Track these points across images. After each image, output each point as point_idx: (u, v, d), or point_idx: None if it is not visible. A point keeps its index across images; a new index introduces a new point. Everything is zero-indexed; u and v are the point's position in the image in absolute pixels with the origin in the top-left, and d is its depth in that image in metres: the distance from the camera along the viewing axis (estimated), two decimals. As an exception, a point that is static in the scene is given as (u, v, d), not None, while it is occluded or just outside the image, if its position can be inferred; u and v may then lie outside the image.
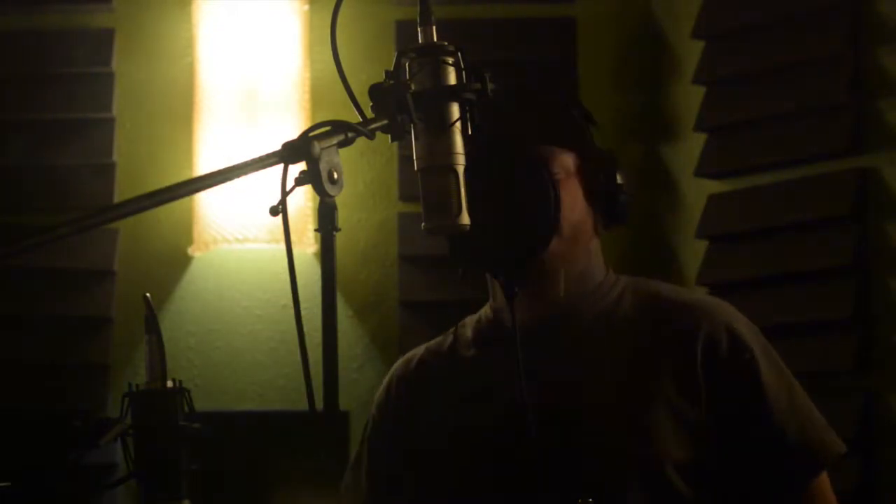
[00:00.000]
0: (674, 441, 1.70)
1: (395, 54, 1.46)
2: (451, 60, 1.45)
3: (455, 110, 1.44)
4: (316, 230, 1.38)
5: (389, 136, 1.43)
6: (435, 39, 1.46)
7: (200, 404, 1.54)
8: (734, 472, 1.73)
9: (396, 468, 1.86)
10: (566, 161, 1.79)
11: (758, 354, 1.75)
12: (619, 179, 1.81)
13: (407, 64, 1.45)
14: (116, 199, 3.21)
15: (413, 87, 1.43)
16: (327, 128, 1.37)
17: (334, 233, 1.37)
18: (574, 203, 1.78)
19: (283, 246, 1.36)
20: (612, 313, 1.81)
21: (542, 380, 1.74)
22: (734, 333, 1.76)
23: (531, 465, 1.71)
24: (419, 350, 1.94)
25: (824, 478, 1.77)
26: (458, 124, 1.44)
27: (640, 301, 1.82)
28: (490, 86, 1.46)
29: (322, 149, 1.33)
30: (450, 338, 1.91)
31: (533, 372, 1.72)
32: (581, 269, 1.81)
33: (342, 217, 1.37)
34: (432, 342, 1.94)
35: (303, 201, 3.11)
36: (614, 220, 1.82)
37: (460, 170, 1.43)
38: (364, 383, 3.21)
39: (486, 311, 1.90)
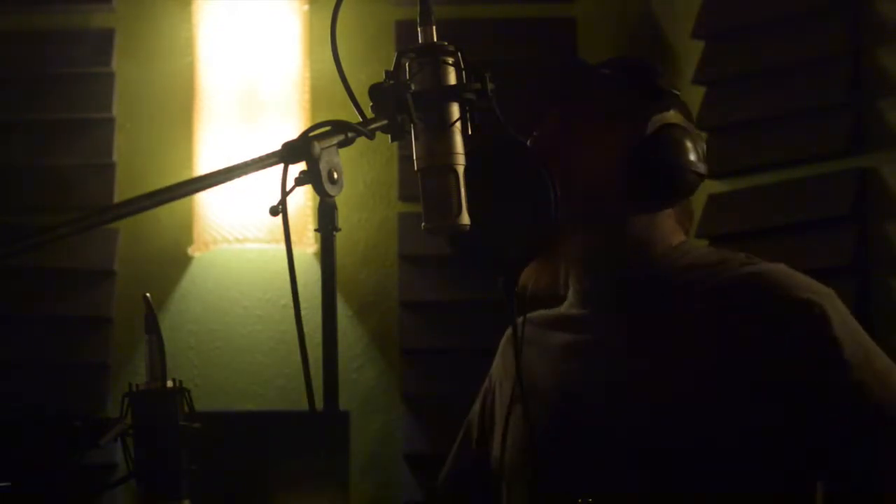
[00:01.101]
0: (718, 425, 1.67)
1: (395, 54, 1.46)
2: (451, 60, 1.45)
3: (455, 110, 1.44)
4: (316, 230, 1.38)
5: (389, 136, 1.43)
6: (435, 39, 1.46)
7: (200, 404, 1.54)
8: (807, 440, 1.66)
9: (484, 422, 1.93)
10: (590, 122, 1.77)
11: (829, 312, 1.66)
12: (669, 147, 1.73)
13: (407, 64, 1.45)
14: (116, 199, 3.21)
15: (413, 87, 1.43)
16: (327, 128, 1.37)
17: (334, 233, 1.37)
18: (588, 174, 1.76)
19: (283, 246, 1.36)
20: (665, 285, 1.77)
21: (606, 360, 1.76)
22: (797, 300, 1.68)
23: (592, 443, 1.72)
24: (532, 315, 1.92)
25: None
26: (458, 124, 1.44)
27: (701, 271, 1.77)
28: (490, 86, 1.46)
29: (322, 149, 1.34)
30: (555, 310, 1.91)
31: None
32: (615, 241, 1.78)
33: (342, 217, 1.37)
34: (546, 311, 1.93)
35: (303, 201, 3.11)
36: (660, 194, 1.75)
37: (460, 170, 1.43)
38: (364, 383, 3.21)
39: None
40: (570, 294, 1.89)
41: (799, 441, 1.66)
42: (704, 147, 1.80)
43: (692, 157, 1.75)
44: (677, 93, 1.81)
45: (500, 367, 1.98)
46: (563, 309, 1.91)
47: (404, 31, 3.23)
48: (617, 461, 1.72)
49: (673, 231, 1.83)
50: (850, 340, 1.67)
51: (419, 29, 1.47)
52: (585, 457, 1.75)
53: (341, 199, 1.35)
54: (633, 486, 1.70)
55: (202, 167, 3.12)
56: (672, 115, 1.77)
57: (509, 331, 1.88)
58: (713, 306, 1.72)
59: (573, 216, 1.73)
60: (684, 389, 1.69)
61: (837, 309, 1.70)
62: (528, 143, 1.80)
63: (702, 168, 1.77)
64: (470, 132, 1.45)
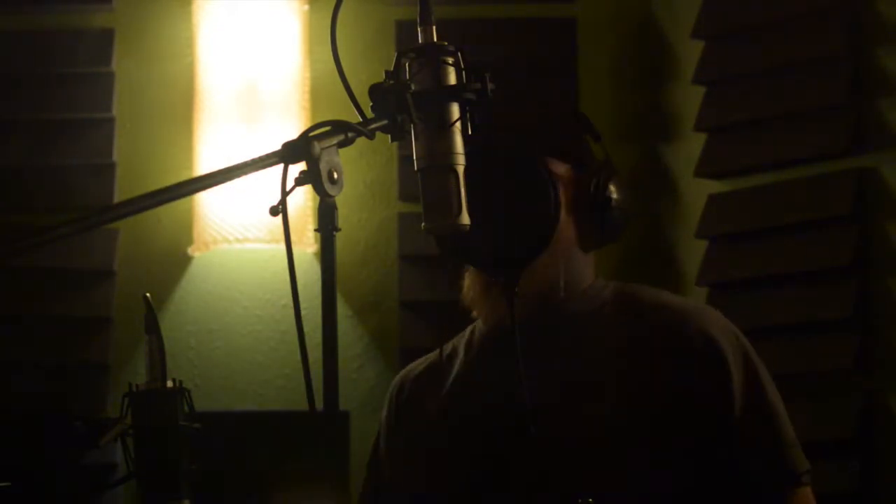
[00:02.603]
0: (649, 449, 1.71)
1: (395, 54, 1.46)
2: (451, 60, 1.45)
3: (455, 110, 1.44)
4: (316, 230, 1.38)
5: (389, 136, 1.43)
6: (435, 39, 1.46)
7: (200, 404, 1.54)
8: (709, 477, 1.73)
9: (397, 475, 1.89)
10: (557, 169, 1.79)
11: (730, 361, 1.74)
12: (612, 195, 1.79)
13: (407, 64, 1.45)
14: (116, 199, 3.21)
15: (413, 87, 1.43)
16: (327, 128, 1.37)
17: (334, 233, 1.37)
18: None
19: (283, 246, 1.36)
20: (592, 316, 1.81)
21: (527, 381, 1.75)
22: (708, 337, 1.75)
23: (526, 466, 1.72)
24: (418, 362, 1.96)
25: (802, 495, 1.76)
26: (458, 124, 1.44)
27: (622, 304, 1.83)
28: (490, 86, 1.46)
29: (322, 149, 1.34)
30: (448, 347, 1.92)
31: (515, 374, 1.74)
32: (566, 273, 1.80)
33: (342, 217, 1.37)
34: (431, 354, 1.95)
35: (303, 201, 3.11)
36: (603, 236, 1.82)
37: (460, 170, 1.43)
38: (364, 383, 3.21)
39: (478, 322, 1.90)
40: (483, 321, 1.88)
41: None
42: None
43: (629, 202, 1.83)
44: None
45: (397, 416, 1.96)
46: (463, 347, 1.91)
47: (404, 31, 3.23)
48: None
49: (593, 270, 1.87)
50: (741, 385, 1.74)
51: (419, 29, 1.47)
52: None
53: (341, 199, 1.35)
54: None
55: (202, 167, 3.12)
56: (608, 161, 1.83)
57: (401, 377, 1.95)
58: (627, 340, 1.78)
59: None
60: (613, 425, 1.73)
61: (736, 354, 1.76)
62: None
63: (631, 211, 1.84)
64: (470, 132, 1.45)
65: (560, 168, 1.79)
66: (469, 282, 1.83)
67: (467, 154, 1.44)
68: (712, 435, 1.73)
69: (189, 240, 3.14)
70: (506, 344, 1.75)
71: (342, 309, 3.17)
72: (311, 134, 1.35)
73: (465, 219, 1.43)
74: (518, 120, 1.84)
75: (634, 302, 1.83)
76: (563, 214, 1.77)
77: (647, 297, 1.84)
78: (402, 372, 1.98)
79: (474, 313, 1.86)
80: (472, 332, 1.91)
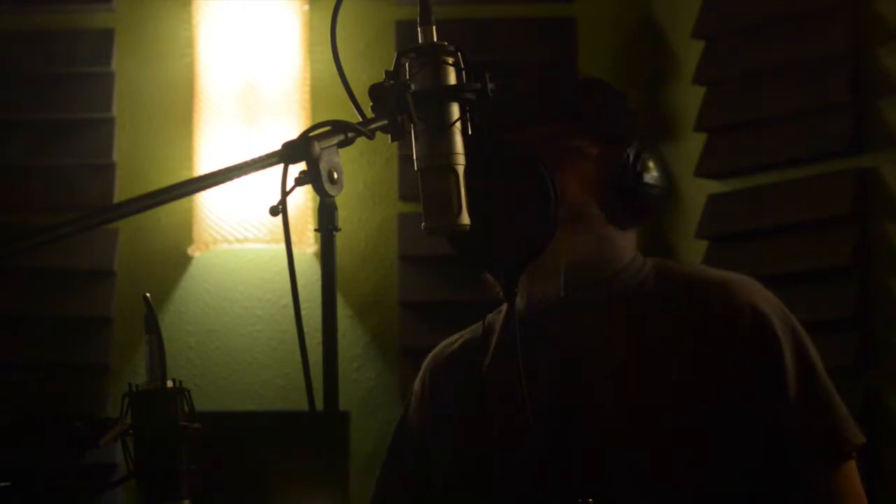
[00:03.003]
0: (689, 429, 1.70)
1: (395, 54, 1.46)
2: (451, 60, 1.45)
3: (455, 110, 1.44)
4: (316, 230, 1.38)
5: (389, 136, 1.43)
6: (435, 39, 1.46)
7: (200, 404, 1.54)
8: (752, 454, 1.72)
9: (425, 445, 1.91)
10: (575, 142, 1.79)
11: (780, 334, 1.74)
12: (643, 172, 1.78)
13: (407, 64, 1.45)
14: (116, 199, 3.21)
15: (413, 87, 1.43)
16: (327, 128, 1.37)
17: (334, 233, 1.37)
18: (573, 187, 1.77)
19: (283, 246, 1.36)
20: (633, 293, 1.81)
21: (553, 370, 1.77)
22: (756, 311, 1.75)
23: (562, 446, 1.73)
24: (453, 338, 1.97)
25: (848, 469, 1.75)
26: (458, 124, 1.44)
27: (663, 279, 1.83)
28: (490, 86, 1.46)
29: (322, 149, 1.34)
30: (485, 322, 1.92)
31: (546, 360, 1.75)
32: (589, 257, 1.81)
33: (342, 217, 1.38)
34: (466, 330, 1.95)
35: (303, 201, 3.11)
36: (634, 214, 1.80)
37: (460, 170, 1.43)
38: (364, 383, 3.21)
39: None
40: (523, 306, 1.88)
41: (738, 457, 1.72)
42: (668, 168, 1.86)
43: (664, 180, 1.82)
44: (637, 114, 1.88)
45: (431, 389, 1.97)
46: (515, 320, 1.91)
47: (404, 31, 3.23)
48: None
49: (633, 247, 1.87)
50: (795, 368, 1.74)
51: (419, 29, 1.47)
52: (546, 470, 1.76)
53: (341, 199, 1.35)
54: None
55: (202, 167, 3.12)
56: (644, 140, 1.83)
57: (436, 353, 1.95)
58: (671, 315, 1.78)
59: (560, 229, 1.76)
60: (666, 400, 1.73)
61: (790, 332, 1.76)
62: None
63: (669, 191, 1.84)
64: (470, 132, 1.45)
65: (589, 146, 1.79)
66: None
67: (469, 153, 1.44)
68: (765, 408, 1.72)
69: (189, 240, 3.14)
70: (543, 321, 1.76)
71: (342, 309, 3.17)
72: (311, 134, 1.35)
73: (465, 219, 1.43)
74: (541, 100, 1.84)
75: (675, 276, 1.83)
76: (586, 194, 1.77)
77: (687, 270, 1.85)
78: (437, 347, 2.00)
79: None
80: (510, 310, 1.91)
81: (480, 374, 1.84)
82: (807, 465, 1.73)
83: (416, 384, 2.00)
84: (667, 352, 1.75)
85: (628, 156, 1.78)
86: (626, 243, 1.85)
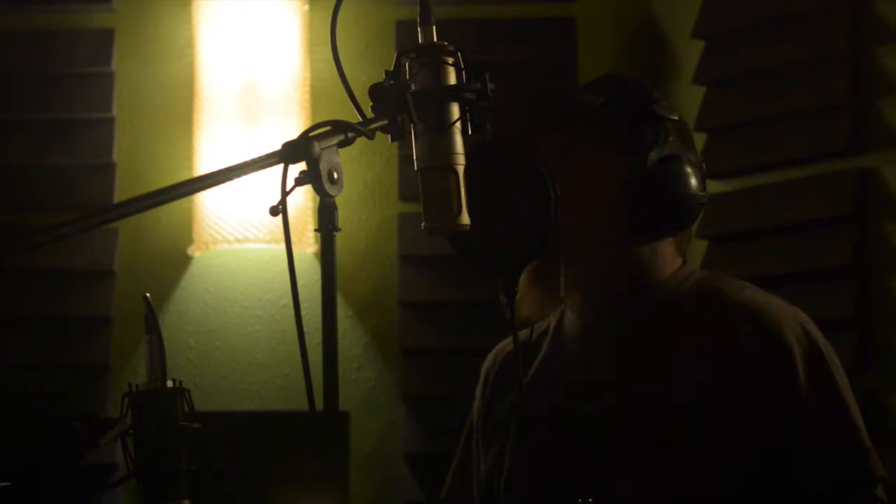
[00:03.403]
0: (716, 447, 1.70)
1: (395, 54, 1.46)
2: (451, 60, 1.45)
3: (455, 110, 1.44)
4: (316, 230, 1.38)
5: (389, 136, 1.43)
6: (435, 39, 1.46)
7: (200, 404, 1.54)
8: (770, 483, 1.71)
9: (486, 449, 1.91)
10: (588, 153, 1.78)
11: (799, 364, 1.71)
12: (669, 181, 1.74)
13: (407, 64, 1.45)
14: (116, 199, 3.21)
15: (413, 87, 1.43)
16: (327, 128, 1.37)
17: (334, 233, 1.37)
18: (586, 200, 1.77)
19: (283, 246, 1.36)
20: (668, 309, 1.80)
21: (572, 379, 1.78)
22: (781, 341, 1.72)
23: (599, 456, 1.74)
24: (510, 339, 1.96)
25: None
26: (458, 124, 1.44)
27: (702, 296, 1.80)
28: (490, 86, 1.46)
29: (322, 149, 1.34)
30: (541, 326, 1.92)
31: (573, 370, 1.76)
32: (612, 269, 1.80)
33: (342, 217, 1.38)
34: (524, 331, 1.93)
35: (303, 201, 3.11)
36: (659, 223, 1.78)
37: (460, 170, 1.43)
38: (364, 383, 3.21)
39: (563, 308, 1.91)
40: (567, 324, 1.89)
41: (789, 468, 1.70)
42: (704, 169, 1.82)
43: (694, 186, 1.77)
44: (675, 118, 1.81)
45: (491, 388, 1.97)
46: (563, 330, 1.91)
47: (404, 31, 3.23)
48: (617, 488, 1.73)
49: (673, 257, 1.84)
50: (815, 399, 1.71)
51: (419, 29, 1.47)
52: (587, 487, 1.76)
53: (341, 199, 1.35)
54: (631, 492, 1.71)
55: (202, 167, 3.12)
56: (671, 144, 1.78)
57: (495, 352, 1.94)
58: (714, 333, 1.76)
59: (574, 245, 1.76)
60: (685, 423, 1.72)
61: (812, 359, 1.73)
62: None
63: (703, 196, 1.79)
64: (470, 132, 1.45)
65: (608, 156, 1.78)
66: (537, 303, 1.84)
67: (469, 153, 1.44)
68: (781, 437, 1.70)
69: (189, 240, 3.14)
70: (588, 334, 1.78)
71: (342, 309, 3.16)
72: (311, 134, 1.35)
73: (465, 219, 1.43)
74: (556, 112, 1.83)
75: (715, 295, 1.80)
76: (602, 205, 1.76)
77: (729, 290, 1.80)
78: (496, 348, 2.00)
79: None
80: (564, 313, 1.91)
81: (520, 387, 1.81)
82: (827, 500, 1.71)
83: (478, 389, 1.99)
84: (684, 372, 1.74)
85: (651, 163, 1.75)
86: (663, 256, 1.82)
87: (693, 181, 1.76)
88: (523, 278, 1.79)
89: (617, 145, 1.78)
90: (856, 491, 1.72)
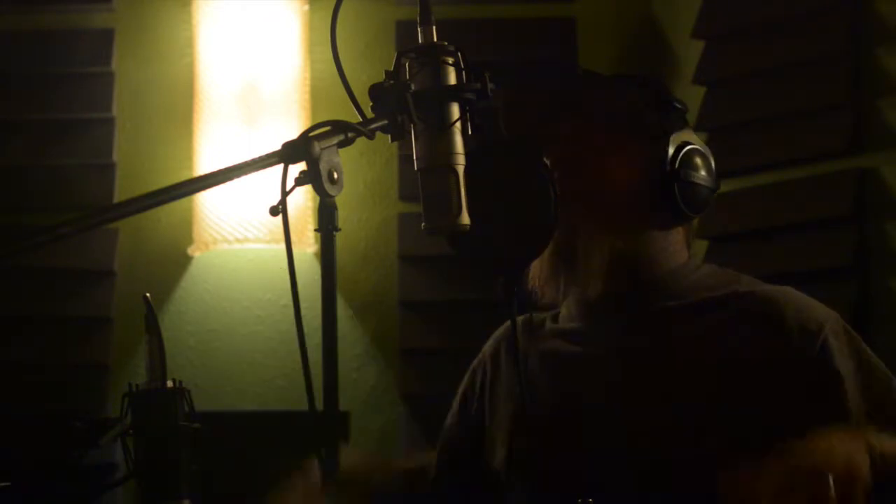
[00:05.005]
0: (711, 439, 1.70)
1: (395, 54, 1.46)
2: (451, 60, 1.45)
3: (455, 110, 1.44)
4: (316, 230, 1.38)
5: (389, 136, 1.43)
6: (435, 39, 1.46)
7: (200, 404, 1.54)
8: None
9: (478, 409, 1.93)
10: (602, 139, 1.79)
11: (830, 342, 1.72)
12: (682, 167, 1.76)
13: (407, 64, 1.45)
14: (116, 199, 3.21)
15: (413, 87, 1.43)
16: (327, 128, 1.37)
17: (334, 233, 1.37)
18: (604, 184, 1.77)
19: (283, 246, 1.36)
20: (686, 300, 1.81)
21: (591, 368, 1.78)
22: (807, 328, 1.73)
23: (602, 448, 1.73)
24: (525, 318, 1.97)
25: None
26: (458, 124, 1.44)
27: (712, 287, 1.81)
28: (490, 86, 1.46)
29: (322, 149, 1.34)
30: (541, 317, 1.93)
31: (594, 356, 1.76)
32: (638, 252, 1.80)
33: (342, 217, 1.38)
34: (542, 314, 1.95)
35: (303, 201, 3.11)
36: (675, 210, 1.79)
37: (460, 170, 1.43)
38: (364, 383, 3.21)
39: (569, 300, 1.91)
40: (571, 305, 1.89)
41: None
42: (713, 162, 1.83)
43: (708, 175, 1.81)
44: (686, 109, 1.85)
45: (496, 356, 1.99)
46: (562, 320, 1.92)
47: (404, 31, 3.23)
48: (617, 468, 1.72)
49: (681, 248, 1.86)
50: (848, 370, 1.71)
51: (419, 29, 1.47)
52: (586, 467, 1.76)
53: (341, 199, 1.35)
54: (631, 490, 1.71)
55: (202, 167, 3.12)
56: (686, 133, 1.81)
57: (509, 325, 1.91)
58: (718, 325, 1.76)
59: (594, 227, 1.76)
60: (684, 405, 1.72)
61: (840, 334, 1.74)
62: (543, 152, 1.79)
63: (714, 185, 1.82)
64: (470, 132, 1.45)
65: (626, 142, 1.79)
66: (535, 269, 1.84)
67: (469, 153, 1.44)
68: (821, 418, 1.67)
69: (189, 240, 3.14)
70: (596, 326, 1.79)
71: (342, 309, 3.17)
72: (311, 134, 1.35)
73: (465, 219, 1.43)
74: (574, 97, 1.83)
75: (727, 286, 1.81)
76: (619, 191, 1.77)
77: (742, 281, 1.82)
78: (496, 333, 2.01)
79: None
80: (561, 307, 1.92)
81: (520, 387, 1.81)
82: None
83: (487, 348, 2.01)
84: (700, 362, 1.74)
85: (665, 152, 1.77)
86: (672, 246, 1.84)
87: (707, 171, 1.80)
88: (545, 265, 1.80)
89: (640, 130, 1.80)
90: None
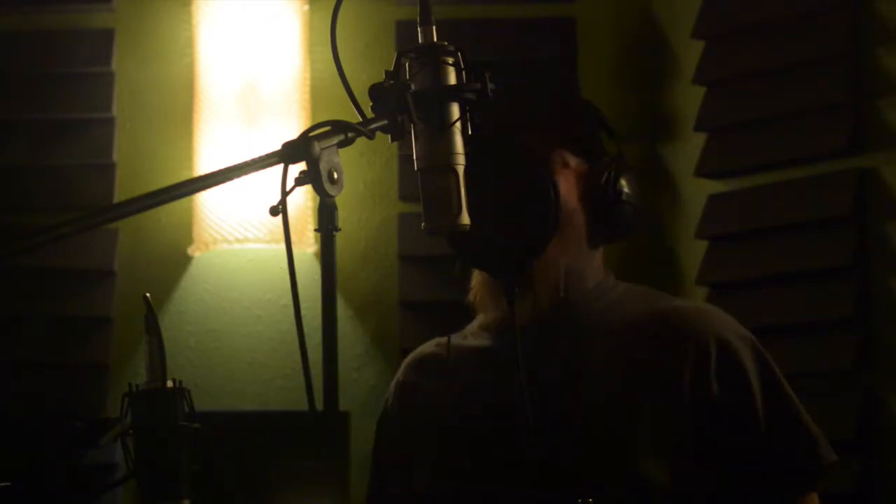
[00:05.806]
0: (654, 454, 1.70)
1: (395, 54, 1.46)
2: (451, 60, 1.45)
3: (455, 110, 1.44)
4: (316, 230, 1.38)
5: (389, 136, 1.43)
6: (435, 39, 1.46)
7: (200, 404, 1.54)
8: (721, 485, 1.72)
9: (398, 456, 1.91)
10: (560, 155, 1.80)
11: (747, 365, 1.74)
12: (623, 189, 1.79)
13: (407, 64, 1.45)
14: (116, 199, 3.21)
15: (413, 87, 1.43)
16: (327, 128, 1.37)
17: (334, 233, 1.37)
18: (562, 196, 1.78)
19: (283, 246, 1.36)
20: (607, 315, 1.81)
21: (536, 379, 1.75)
22: (724, 342, 1.75)
23: (523, 465, 1.72)
24: (429, 344, 1.96)
25: (813, 498, 1.77)
26: (458, 124, 1.44)
27: (636, 306, 1.82)
28: (490, 86, 1.46)
29: (322, 149, 1.34)
30: (455, 338, 1.93)
31: (528, 370, 1.73)
32: (575, 268, 1.81)
33: (342, 217, 1.38)
34: (432, 344, 1.95)
35: (303, 201, 3.11)
36: (612, 230, 1.82)
37: (460, 170, 1.43)
38: (364, 383, 3.21)
39: (481, 317, 1.89)
40: (483, 321, 1.88)
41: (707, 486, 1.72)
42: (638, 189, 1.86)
43: (637, 196, 1.83)
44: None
45: (408, 383, 1.98)
46: (476, 337, 1.90)
47: (404, 31, 3.23)
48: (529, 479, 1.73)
49: (601, 265, 1.87)
50: (759, 387, 1.74)
51: (419, 29, 1.47)
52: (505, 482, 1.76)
53: (341, 199, 1.35)
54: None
55: (202, 167, 3.12)
56: (622, 155, 1.84)
57: (410, 360, 1.95)
58: (634, 342, 1.77)
59: (555, 243, 1.76)
60: (595, 414, 1.73)
61: (753, 355, 1.76)
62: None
63: (639, 213, 1.84)
64: (470, 132, 1.45)
65: (572, 160, 1.80)
66: (476, 282, 1.84)
67: (469, 153, 1.44)
68: (734, 440, 1.72)
69: (189, 240, 3.14)
70: (503, 346, 1.76)
71: (342, 309, 3.16)
72: (311, 134, 1.35)
73: (465, 219, 1.43)
74: (530, 109, 1.85)
75: (642, 304, 1.82)
76: (571, 207, 1.78)
77: (657, 299, 1.84)
78: (408, 358, 2.02)
79: (479, 313, 1.87)
80: (472, 329, 1.91)
81: (442, 394, 1.84)
82: (781, 487, 1.74)
83: (388, 398, 2.00)
84: (619, 379, 1.75)
85: (609, 174, 1.79)
86: (593, 264, 1.85)
87: (637, 191, 1.83)
88: (481, 282, 1.80)
89: (580, 149, 1.82)
90: (808, 478, 1.76)
